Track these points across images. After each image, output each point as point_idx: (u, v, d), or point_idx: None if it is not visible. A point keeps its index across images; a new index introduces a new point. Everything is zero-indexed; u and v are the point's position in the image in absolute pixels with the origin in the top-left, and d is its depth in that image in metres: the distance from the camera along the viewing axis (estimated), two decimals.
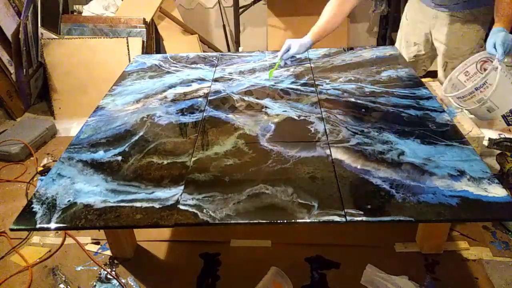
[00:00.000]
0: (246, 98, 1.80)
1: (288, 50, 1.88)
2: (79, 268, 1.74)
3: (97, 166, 1.41)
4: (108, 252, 1.79)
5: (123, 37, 2.93)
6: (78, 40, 2.95)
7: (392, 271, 1.59)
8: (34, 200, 1.27)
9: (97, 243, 1.86)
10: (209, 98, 1.82)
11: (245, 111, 1.71)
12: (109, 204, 1.23)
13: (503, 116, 2.00)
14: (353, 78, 1.90)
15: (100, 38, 2.95)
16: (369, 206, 1.17)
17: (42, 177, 2.29)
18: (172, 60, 2.22)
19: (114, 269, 1.72)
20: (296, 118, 1.63)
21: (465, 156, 1.35)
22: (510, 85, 1.66)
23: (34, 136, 2.61)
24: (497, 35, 1.59)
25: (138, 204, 1.23)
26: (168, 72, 2.08)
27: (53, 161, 2.48)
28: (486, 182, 1.23)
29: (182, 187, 1.28)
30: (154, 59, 2.25)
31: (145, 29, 2.95)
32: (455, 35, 1.98)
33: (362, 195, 1.22)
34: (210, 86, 1.92)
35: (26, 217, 1.22)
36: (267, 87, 1.88)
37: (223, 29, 3.58)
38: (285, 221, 1.15)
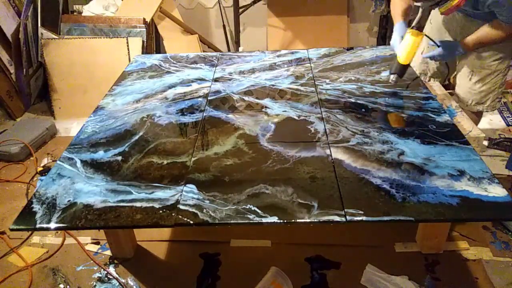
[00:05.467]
0: (246, 98, 1.80)
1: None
2: (79, 268, 1.74)
3: (97, 166, 1.41)
4: (108, 252, 1.79)
5: (123, 37, 2.93)
6: (78, 40, 2.95)
7: (392, 271, 1.59)
8: (34, 200, 1.27)
9: (97, 243, 1.85)
10: (209, 98, 1.82)
11: (245, 111, 1.71)
12: (109, 204, 1.23)
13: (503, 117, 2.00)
14: (353, 78, 1.90)
15: (100, 38, 2.95)
16: (369, 206, 1.17)
17: (42, 177, 2.28)
18: (172, 60, 2.22)
19: (114, 269, 1.72)
20: (296, 118, 1.63)
21: (465, 156, 1.35)
22: None
23: (34, 136, 2.61)
24: None
25: (138, 204, 1.23)
26: (168, 72, 2.08)
27: (53, 161, 2.48)
28: (486, 182, 1.23)
29: (182, 187, 1.28)
30: (154, 59, 2.25)
31: (145, 29, 2.95)
32: None
33: (362, 195, 1.22)
34: (210, 86, 1.91)
35: (26, 217, 1.22)
36: (267, 87, 1.88)
37: (223, 29, 3.57)
38: (285, 221, 1.15)
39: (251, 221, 1.16)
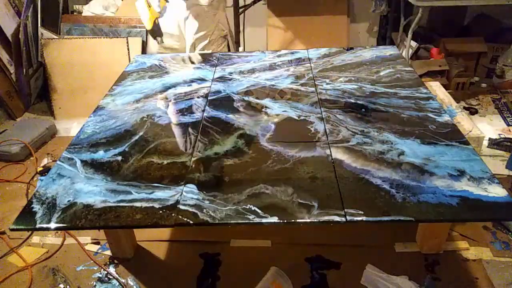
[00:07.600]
0: (246, 98, 1.80)
1: None
2: (79, 268, 1.74)
3: (97, 166, 1.41)
4: (108, 252, 1.79)
5: (123, 37, 2.93)
6: (78, 40, 2.95)
7: (392, 271, 1.59)
8: (34, 200, 1.27)
9: (97, 243, 1.85)
10: (209, 98, 1.82)
11: (245, 111, 1.71)
12: (109, 204, 1.23)
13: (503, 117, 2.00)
14: (353, 78, 1.90)
15: (100, 38, 2.95)
16: (369, 206, 1.17)
17: (42, 177, 2.28)
18: (172, 60, 2.22)
19: (114, 269, 1.72)
20: (296, 118, 1.63)
21: (465, 156, 1.35)
22: None
23: (34, 136, 2.61)
24: None
25: (138, 204, 1.23)
26: (168, 72, 2.08)
27: (53, 161, 2.47)
28: (486, 182, 1.23)
29: (182, 187, 1.28)
30: (154, 59, 2.25)
31: (145, 29, 2.95)
32: None
33: (362, 195, 1.22)
34: (210, 86, 1.92)
35: (26, 217, 1.22)
36: (267, 87, 1.89)
37: None
38: (285, 221, 1.15)
39: (251, 221, 1.16)
